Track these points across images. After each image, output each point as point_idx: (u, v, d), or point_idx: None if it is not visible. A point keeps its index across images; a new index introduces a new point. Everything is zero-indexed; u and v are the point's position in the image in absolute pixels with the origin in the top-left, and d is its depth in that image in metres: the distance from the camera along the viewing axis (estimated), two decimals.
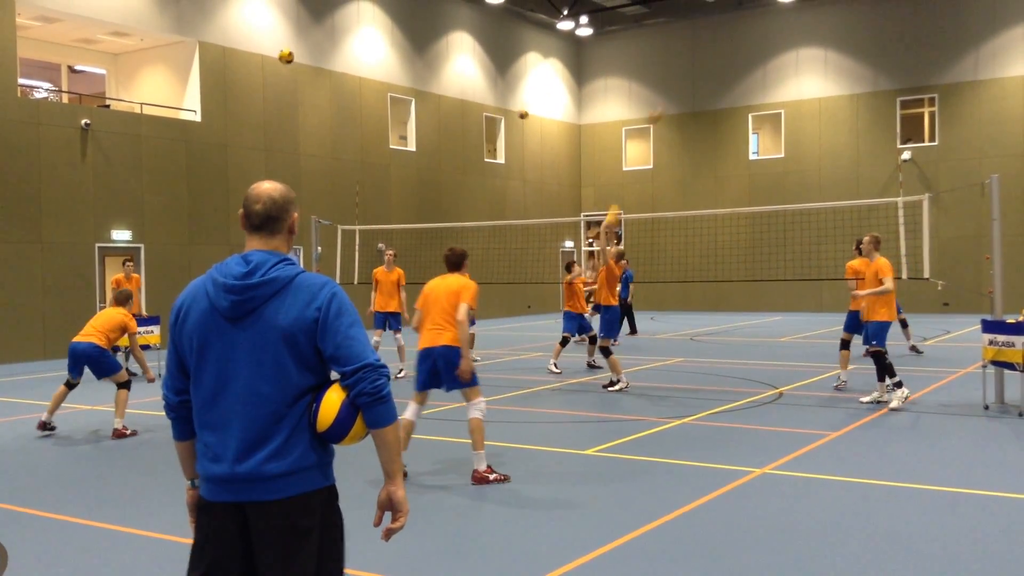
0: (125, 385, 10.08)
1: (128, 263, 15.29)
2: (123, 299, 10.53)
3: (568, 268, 16.03)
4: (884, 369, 10.48)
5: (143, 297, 19.57)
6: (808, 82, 30.03)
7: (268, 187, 3.03)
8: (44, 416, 10.04)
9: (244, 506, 2.83)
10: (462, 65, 29.31)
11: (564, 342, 14.95)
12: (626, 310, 21.06)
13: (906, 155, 28.22)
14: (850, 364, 12.51)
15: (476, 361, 15.51)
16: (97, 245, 19.52)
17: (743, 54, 31.17)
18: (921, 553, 5.47)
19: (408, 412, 7.37)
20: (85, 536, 6.17)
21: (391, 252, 15.18)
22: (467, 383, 7.25)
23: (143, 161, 20.44)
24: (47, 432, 9.93)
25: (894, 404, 10.33)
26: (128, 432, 9.94)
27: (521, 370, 15.14)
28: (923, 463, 7.93)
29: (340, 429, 2.88)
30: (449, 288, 7.39)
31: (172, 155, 21.00)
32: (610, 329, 12.71)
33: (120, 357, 12.94)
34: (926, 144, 28.39)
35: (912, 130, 28.91)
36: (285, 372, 2.84)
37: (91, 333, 10.06)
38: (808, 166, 29.90)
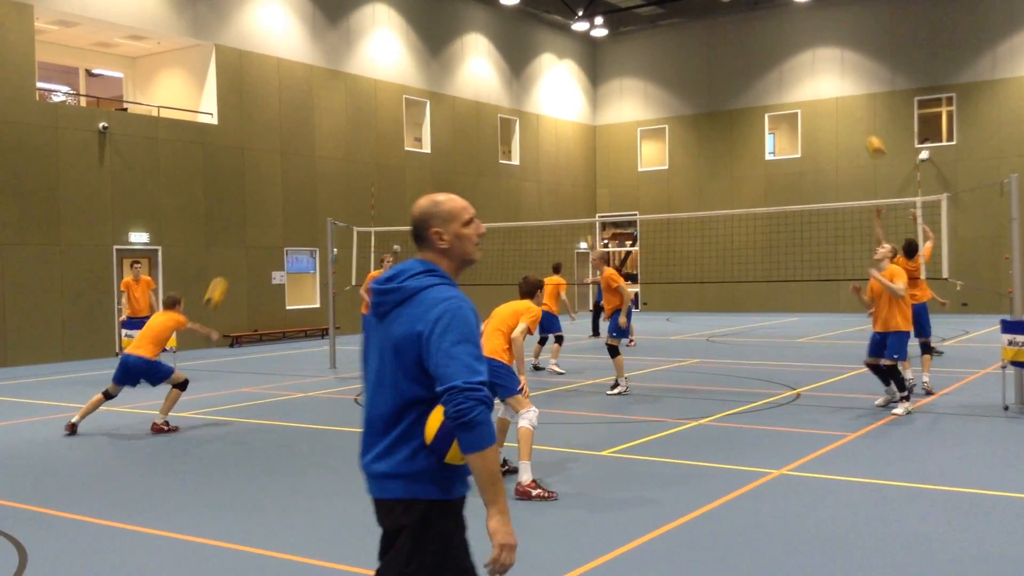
0: (181, 386, 10.28)
1: (136, 265, 15.36)
2: (170, 303, 10.75)
3: (556, 270, 16.62)
4: (899, 382, 10.19)
5: (159, 299, 19.68)
6: (825, 82, 29.89)
7: (418, 203, 3.11)
8: (75, 418, 10.15)
9: (374, 499, 3.00)
10: (477, 67, 29.33)
11: (559, 340, 15.26)
12: (596, 312, 21.14)
13: (924, 155, 28.03)
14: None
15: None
16: (115, 247, 19.64)
17: (759, 54, 31.05)
18: (940, 555, 5.42)
19: (500, 411, 7.55)
20: (102, 536, 6.19)
21: (390, 257, 15.19)
22: (508, 394, 7.27)
23: (160, 164, 20.56)
24: (71, 435, 9.98)
25: (899, 410, 10.13)
26: (167, 428, 10.12)
27: (537, 372, 15.11)
28: (942, 464, 7.87)
29: (441, 445, 2.87)
30: (513, 308, 7.68)
31: (189, 158, 21.10)
32: (619, 331, 12.51)
33: (168, 358, 13.04)
34: (944, 144, 28.19)
35: (930, 130, 28.72)
36: (395, 379, 2.93)
37: (140, 345, 10.24)
38: (825, 166, 29.75)
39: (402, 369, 2.90)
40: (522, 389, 7.28)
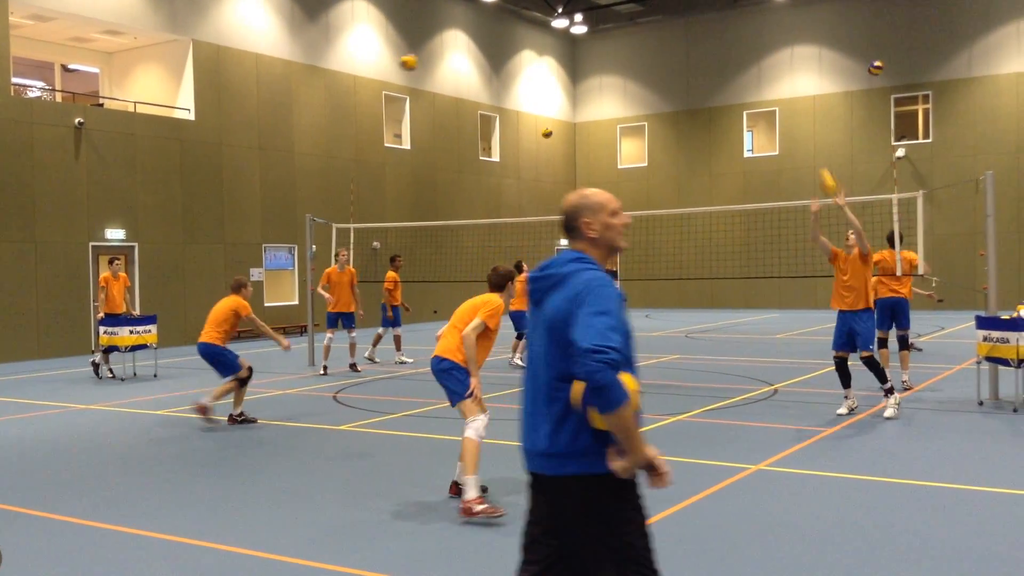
0: (243, 381, 10.28)
1: (116, 261, 15.24)
2: (236, 287, 10.63)
3: (519, 267, 16.80)
4: (879, 374, 9.72)
5: (136, 296, 19.55)
6: (802, 79, 30.07)
7: (566, 197, 3.30)
8: (233, 411, 10.25)
9: (540, 476, 3.12)
10: (457, 63, 29.29)
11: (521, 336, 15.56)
12: None
13: (900, 152, 28.26)
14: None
15: (406, 363, 15.79)
16: (91, 244, 19.48)
17: (737, 51, 31.19)
18: (916, 548, 5.48)
19: (463, 432, 6.67)
20: (81, 536, 6.15)
21: (344, 253, 15.38)
22: (457, 399, 6.65)
23: (137, 160, 20.40)
24: (242, 422, 10.14)
25: (889, 412, 9.66)
26: (209, 412, 10.18)
27: (518, 368, 15.13)
28: (918, 459, 7.95)
29: (584, 412, 3.00)
30: (473, 303, 6.88)
31: (166, 154, 20.95)
32: None
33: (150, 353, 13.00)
34: (920, 141, 28.44)
35: (906, 127, 28.96)
36: (553, 358, 3.08)
37: (207, 332, 10.28)
38: (802, 163, 29.93)
39: (556, 348, 3.06)
40: (471, 393, 6.59)
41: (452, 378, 6.66)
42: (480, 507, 6.17)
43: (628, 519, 3.07)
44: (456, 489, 6.74)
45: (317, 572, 5.30)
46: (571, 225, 3.26)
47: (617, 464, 2.98)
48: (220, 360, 10.30)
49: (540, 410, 3.11)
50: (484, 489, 6.61)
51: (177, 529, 6.16)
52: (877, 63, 15.03)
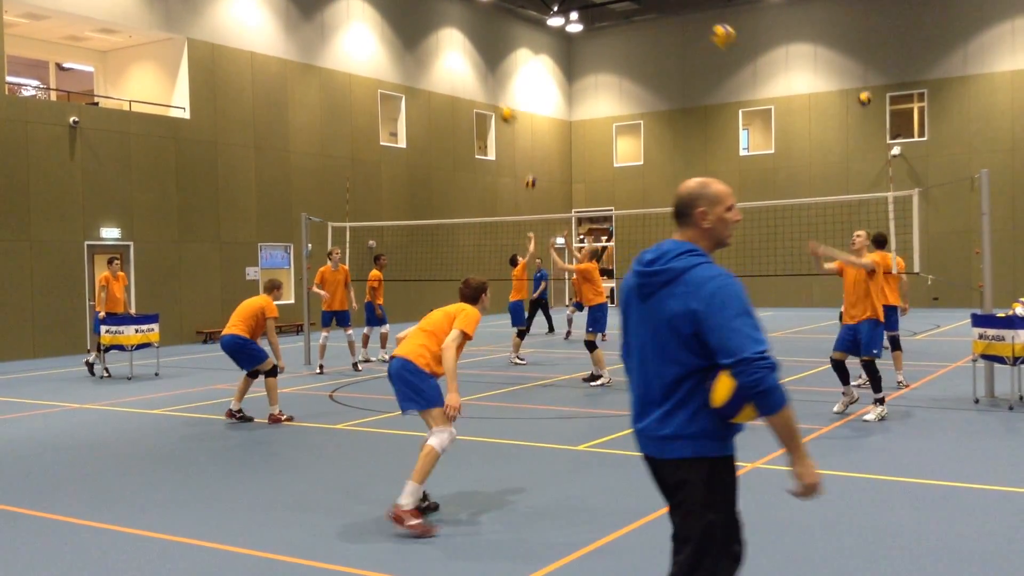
0: (271, 373, 10.21)
1: (115, 261, 15.23)
2: (270, 288, 10.56)
3: (513, 262, 17.13)
4: (875, 382, 9.59)
5: (132, 295, 19.51)
6: (798, 78, 30.09)
7: (685, 183, 3.33)
8: (232, 404, 10.20)
9: (650, 459, 3.29)
10: (452, 62, 29.27)
11: (521, 334, 15.60)
12: (543, 308, 21.12)
13: (895, 150, 28.29)
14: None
15: (370, 361, 15.81)
16: (86, 243, 19.44)
17: (733, 50, 31.15)
18: (912, 546, 5.48)
19: (427, 438, 6.30)
20: (77, 535, 6.14)
21: (338, 251, 15.43)
22: (422, 405, 6.21)
23: (132, 159, 20.36)
24: (239, 420, 10.11)
25: (870, 416, 9.53)
26: (284, 417, 10.15)
27: (512, 366, 15.13)
28: (914, 457, 7.96)
29: (730, 410, 3.10)
30: (446, 311, 6.50)
31: (161, 153, 20.92)
32: (596, 324, 12.67)
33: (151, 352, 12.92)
34: (915, 139, 28.47)
35: (901, 125, 29.00)
36: (670, 353, 3.16)
37: (234, 324, 10.17)
38: (798, 162, 29.96)
39: (679, 342, 3.13)
40: (454, 412, 6.19)
41: (414, 381, 6.20)
42: (413, 521, 5.80)
43: (725, 501, 3.21)
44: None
45: (314, 571, 5.29)
46: (685, 212, 3.28)
47: (795, 487, 3.20)
48: (247, 352, 10.11)
49: (653, 397, 3.22)
50: (435, 507, 6.39)
51: (173, 528, 6.15)
52: (864, 96, 15.19)
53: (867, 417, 9.60)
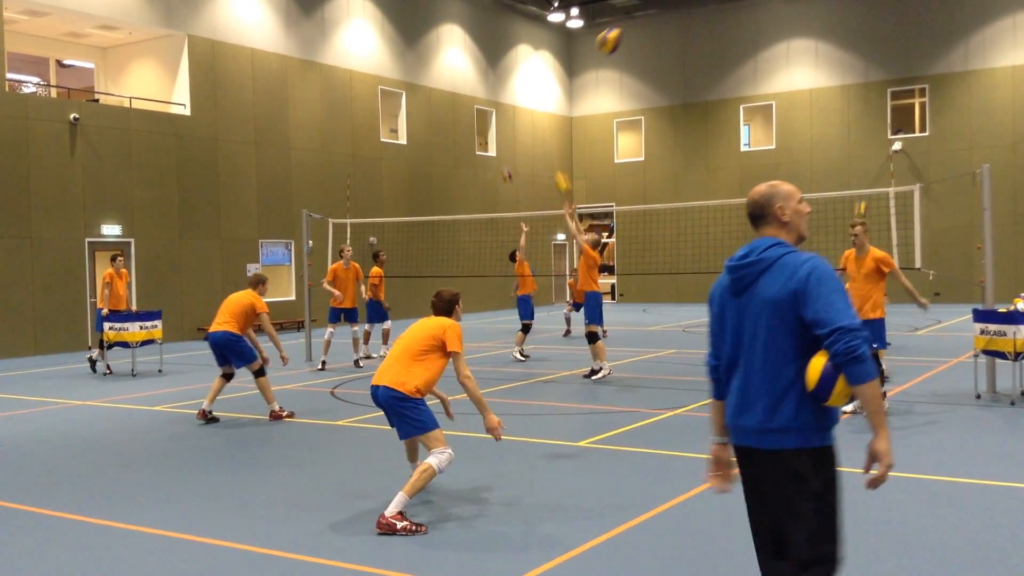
0: (260, 372, 10.17)
1: (119, 258, 15.24)
2: (256, 282, 10.49)
3: (512, 257, 17.17)
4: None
5: (133, 292, 19.52)
6: (799, 73, 30.05)
7: (756, 189, 3.57)
8: (204, 404, 10.07)
9: (752, 451, 3.35)
10: (453, 58, 29.24)
11: (525, 328, 15.60)
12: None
13: (897, 146, 28.26)
14: None
15: (371, 358, 15.79)
16: (87, 240, 19.44)
17: (734, 45, 31.16)
18: (912, 542, 5.48)
19: (428, 456, 6.21)
20: (79, 532, 6.14)
21: (349, 249, 15.38)
22: (422, 431, 6.19)
23: (133, 155, 20.35)
24: (208, 421, 9.96)
25: (848, 408, 9.28)
26: (285, 413, 10.11)
27: (513, 363, 15.12)
28: (915, 452, 7.95)
29: (824, 388, 3.20)
30: (428, 330, 6.37)
31: (162, 149, 20.91)
32: (594, 316, 12.64)
33: (155, 349, 12.85)
34: (917, 135, 28.45)
35: (903, 121, 28.97)
36: (774, 339, 3.29)
37: (223, 321, 10.08)
38: (799, 157, 29.93)
39: (782, 329, 3.27)
40: (498, 429, 6.33)
41: (408, 412, 6.15)
42: (401, 524, 5.84)
43: (830, 491, 3.32)
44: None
45: (315, 567, 5.29)
46: (763, 212, 3.50)
47: (874, 474, 3.31)
48: (239, 350, 10.05)
49: (758, 388, 3.32)
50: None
51: (174, 525, 6.15)
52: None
53: (846, 408, 9.36)
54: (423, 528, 5.91)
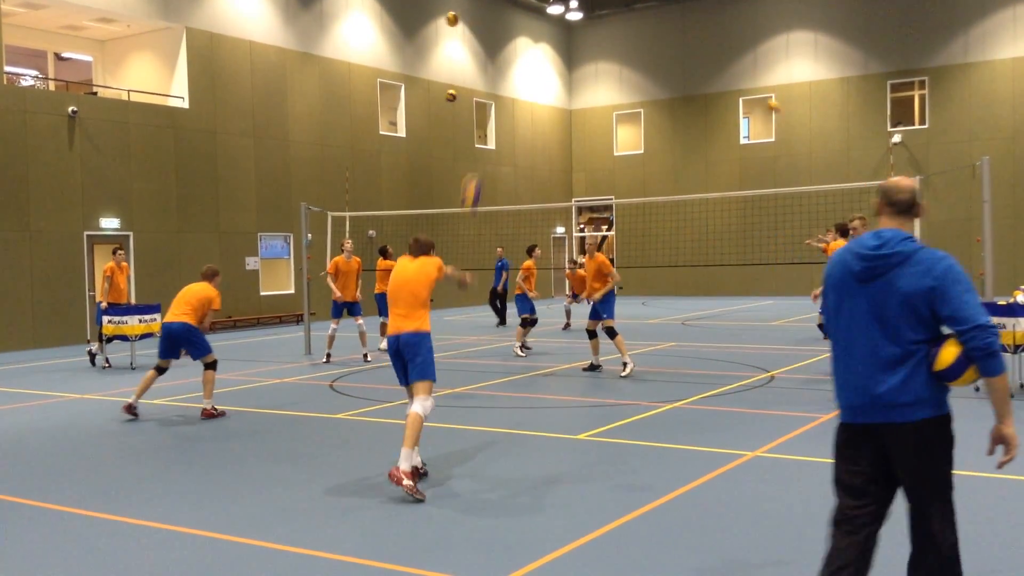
0: (212, 366, 10.11)
1: (119, 251, 15.24)
2: (210, 275, 10.45)
3: (531, 251, 17.09)
4: None
5: (132, 285, 19.50)
6: (798, 66, 30.00)
7: (904, 181, 3.81)
8: (132, 399, 9.98)
9: (878, 427, 3.63)
10: (452, 50, 29.19)
11: (525, 323, 15.55)
12: (500, 299, 21.00)
13: (896, 138, 28.23)
14: None
15: (380, 350, 15.80)
16: (86, 233, 19.42)
17: (734, 38, 31.10)
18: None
19: (410, 407, 6.90)
20: (76, 525, 6.14)
21: (350, 242, 15.32)
22: (423, 373, 6.85)
23: (131, 148, 20.32)
24: (132, 417, 9.85)
25: None
26: (217, 412, 10.00)
27: (512, 356, 15.11)
28: None
29: (952, 374, 3.55)
30: (412, 273, 7.11)
31: (160, 142, 20.87)
32: (610, 311, 12.64)
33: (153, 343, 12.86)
34: (916, 127, 28.41)
35: (902, 113, 28.93)
36: (899, 327, 3.57)
37: (179, 312, 10.03)
38: (799, 150, 29.90)
39: (911, 317, 3.56)
40: (465, 279, 7.44)
41: (428, 353, 6.94)
42: (407, 482, 6.38)
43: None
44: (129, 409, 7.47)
45: (312, 560, 5.29)
46: (909, 207, 3.76)
47: (1003, 459, 3.63)
48: (195, 341, 10.01)
49: (886, 368, 3.59)
50: (425, 473, 6.98)
51: (171, 518, 6.15)
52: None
53: None
54: (422, 495, 6.40)
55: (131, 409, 9.90)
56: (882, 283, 3.61)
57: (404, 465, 6.48)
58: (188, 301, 10.15)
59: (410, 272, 7.13)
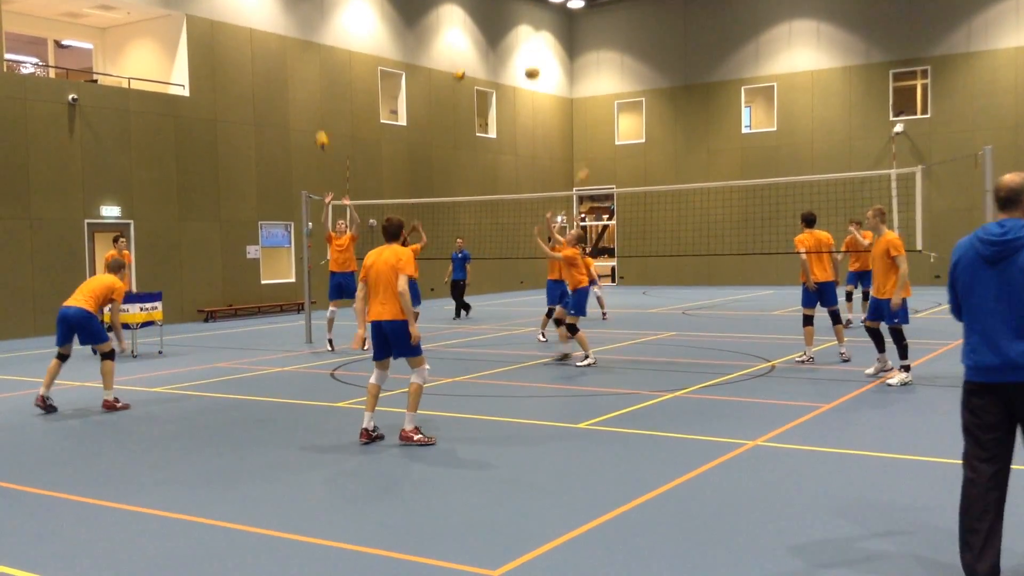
0: (110, 355, 10.03)
1: (120, 239, 15.24)
2: (116, 267, 10.48)
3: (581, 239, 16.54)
4: (901, 349, 10.27)
5: (133, 274, 19.49)
6: (801, 54, 29.90)
7: (1012, 177, 4.34)
8: (41, 391, 9.88)
9: (1007, 385, 4.24)
10: (453, 38, 29.09)
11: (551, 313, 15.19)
12: (459, 291, 20.76)
13: (899, 128, 28.16)
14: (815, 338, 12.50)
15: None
16: (86, 221, 19.41)
17: (736, 26, 30.99)
18: (914, 523, 5.48)
19: (373, 377, 7.99)
20: (75, 512, 6.14)
21: (343, 223, 15.30)
22: (413, 352, 7.71)
23: (131, 136, 20.28)
24: (46, 410, 9.73)
25: (893, 381, 10.20)
26: (119, 404, 9.89)
27: (515, 344, 15.12)
28: (915, 434, 7.96)
29: None
30: (387, 262, 7.71)
31: (161, 130, 20.83)
32: (579, 308, 12.59)
33: (155, 331, 12.75)
34: (918, 116, 28.34)
35: (904, 102, 28.85)
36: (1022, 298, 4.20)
37: (80, 298, 9.98)
38: (801, 139, 29.84)
39: None
40: (415, 339, 7.67)
41: (407, 335, 7.66)
42: (417, 436, 7.65)
43: None
44: (366, 435, 7.84)
45: (313, 547, 5.29)
46: (1017, 197, 4.30)
47: None
48: (92, 329, 9.89)
49: (1014, 335, 4.19)
50: (380, 436, 7.93)
51: (172, 505, 6.16)
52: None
53: (890, 382, 10.26)
54: (432, 439, 7.70)
55: (44, 401, 9.72)
56: (1007, 264, 4.23)
57: (410, 426, 7.68)
58: (90, 289, 10.08)
59: (380, 262, 7.72)
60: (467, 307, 21.03)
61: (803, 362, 12.06)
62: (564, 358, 12.90)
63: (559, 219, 24.00)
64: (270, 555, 5.20)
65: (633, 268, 32.42)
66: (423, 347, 8.04)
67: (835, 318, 12.43)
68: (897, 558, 4.95)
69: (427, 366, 7.90)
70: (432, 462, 7.20)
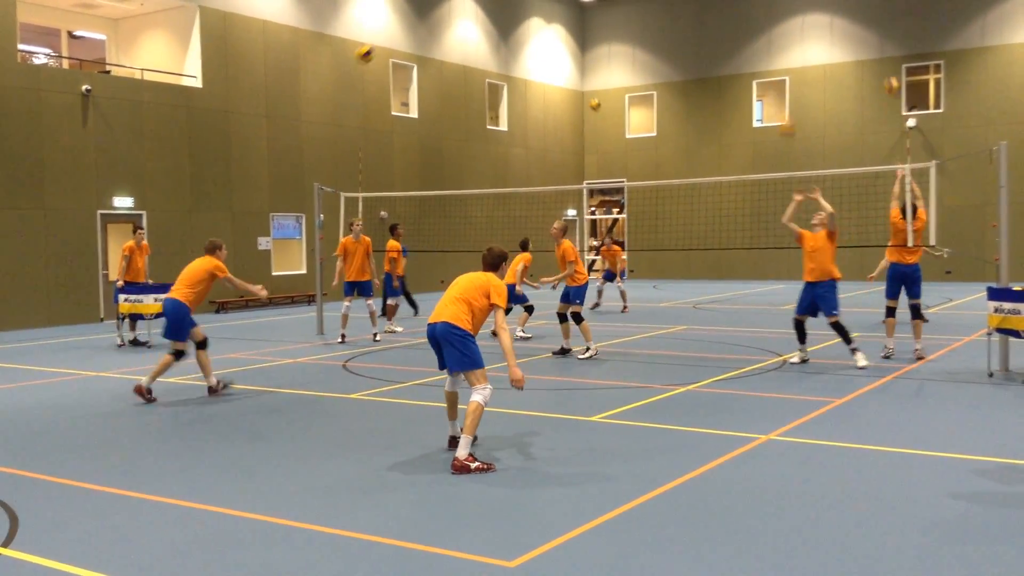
0: (201, 345, 10.04)
1: (139, 231, 15.32)
2: (212, 248, 10.34)
3: (524, 247, 16.12)
4: (844, 336, 11.24)
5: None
6: (813, 48, 29.78)
7: None
8: (145, 380, 9.88)
9: None
10: (464, 31, 29.06)
11: (530, 310, 15.38)
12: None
13: (911, 122, 28.04)
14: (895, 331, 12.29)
15: (396, 332, 15.81)
16: (99, 212, 19.48)
17: (748, 20, 30.88)
18: (926, 518, 5.49)
19: (447, 384, 7.37)
20: (94, 501, 6.19)
21: (358, 222, 15.20)
22: (469, 364, 6.91)
23: (144, 127, 20.34)
24: (146, 400, 9.69)
25: (861, 363, 11.04)
26: (221, 388, 10.06)
27: (521, 339, 15.12)
28: (928, 430, 7.95)
29: None
30: (477, 282, 7.12)
31: (173, 121, 20.89)
32: (580, 297, 12.80)
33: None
34: (931, 111, 28.20)
35: (918, 97, 28.71)
36: None
37: (176, 289, 9.99)
38: (812, 133, 29.73)
39: None
40: (517, 382, 6.88)
41: (464, 345, 6.93)
42: (475, 464, 6.66)
43: None
44: (454, 442, 7.29)
45: (329, 537, 5.33)
46: None
47: None
48: (181, 323, 9.86)
49: None
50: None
51: (189, 494, 6.20)
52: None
53: (859, 364, 11.00)
54: (492, 466, 6.72)
55: (142, 392, 9.77)
56: None
57: (464, 452, 6.71)
58: (184, 279, 10.04)
59: (468, 283, 7.13)
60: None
61: (886, 357, 11.94)
62: (565, 352, 12.91)
63: (570, 213, 23.90)
64: (287, 544, 5.24)
65: (644, 262, 32.38)
66: (486, 366, 7.11)
67: (915, 312, 12.12)
68: (910, 552, 4.96)
69: (490, 387, 6.95)
70: (448, 454, 7.23)
